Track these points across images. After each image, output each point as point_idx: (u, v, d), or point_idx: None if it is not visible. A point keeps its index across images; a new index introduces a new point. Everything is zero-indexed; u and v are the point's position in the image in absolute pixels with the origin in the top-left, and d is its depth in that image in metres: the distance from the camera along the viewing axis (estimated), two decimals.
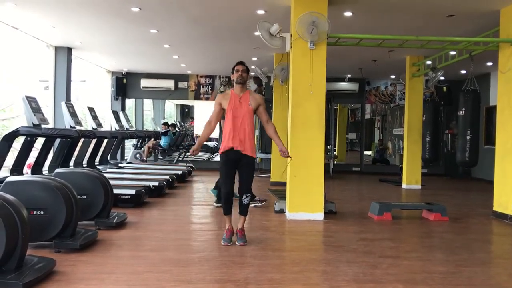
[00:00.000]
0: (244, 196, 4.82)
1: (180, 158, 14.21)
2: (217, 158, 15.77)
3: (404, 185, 10.75)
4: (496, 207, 6.92)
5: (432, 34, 7.64)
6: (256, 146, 13.14)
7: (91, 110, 8.45)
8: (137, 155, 12.82)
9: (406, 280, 3.80)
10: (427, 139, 10.28)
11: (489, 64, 11.08)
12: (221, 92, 13.97)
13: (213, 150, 16.97)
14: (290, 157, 5.12)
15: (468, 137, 7.28)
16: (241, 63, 4.89)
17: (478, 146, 7.50)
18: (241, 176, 4.83)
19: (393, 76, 13.89)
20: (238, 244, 4.82)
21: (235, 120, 4.74)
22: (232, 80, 4.94)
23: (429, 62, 10.08)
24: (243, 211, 4.87)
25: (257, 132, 12.84)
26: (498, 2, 6.67)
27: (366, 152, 15.53)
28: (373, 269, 4.06)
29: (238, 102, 4.77)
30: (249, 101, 4.79)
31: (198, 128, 17.40)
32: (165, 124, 14.61)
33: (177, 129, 15.26)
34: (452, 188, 11.30)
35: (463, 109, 7.36)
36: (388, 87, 14.58)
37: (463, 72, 12.13)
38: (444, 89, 12.61)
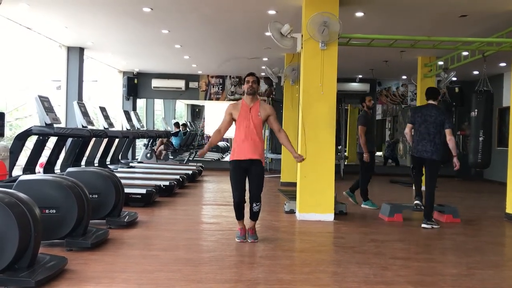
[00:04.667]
0: (255, 205, 4.86)
1: (191, 158, 14.25)
2: (227, 158, 15.80)
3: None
4: (509, 209, 6.84)
5: (444, 35, 7.57)
6: (266, 146, 13.19)
7: (102, 109, 8.50)
8: (148, 155, 12.87)
9: (417, 282, 3.77)
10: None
11: (502, 64, 10.95)
12: (231, 96, 14.04)
13: (223, 150, 17.01)
14: (304, 158, 5.13)
15: (480, 138, 7.20)
16: (251, 74, 4.96)
17: (491, 148, 7.42)
18: (251, 185, 4.86)
19: (404, 77, 13.80)
20: (250, 241, 4.92)
21: (245, 130, 4.79)
22: (242, 90, 4.98)
23: (441, 63, 9.99)
24: (254, 217, 4.95)
25: (267, 133, 12.84)
26: (511, 2, 6.59)
27: (377, 153, 15.43)
28: (384, 271, 4.04)
29: (248, 112, 4.83)
30: (259, 112, 4.84)
31: (209, 128, 17.44)
32: (176, 124, 14.66)
33: (187, 128, 15.31)
34: (464, 190, 11.20)
35: (476, 110, 7.28)
36: (400, 88, 14.49)
37: (476, 72, 12.02)
38: (456, 90, 12.49)
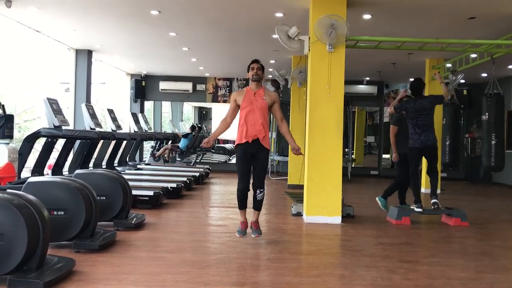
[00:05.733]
0: (258, 191, 4.86)
1: (198, 160, 14.27)
2: (234, 160, 15.81)
3: (423, 189, 10.59)
4: None
5: (452, 37, 7.54)
6: (273, 148, 13.18)
7: (110, 112, 8.55)
8: (153, 158, 12.91)
9: (425, 285, 3.76)
10: (447, 143, 10.11)
11: (511, 67, 10.88)
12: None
13: (230, 153, 17.02)
14: (302, 154, 5.11)
15: (493, 142, 7.15)
16: (256, 61, 4.97)
17: (504, 151, 7.36)
18: (255, 170, 4.86)
19: (412, 79, 13.70)
20: (253, 236, 4.92)
21: (250, 114, 4.79)
22: (248, 78, 4.99)
23: (449, 65, 9.94)
24: (257, 206, 4.93)
25: (274, 135, 12.84)
26: None
27: (384, 156, 15.37)
28: (391, 274, 4.02)
29: (253, 97, 4.84)
30: (264, 96, 4.85)
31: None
32: (193, 127, 14.74)
33: (200, 130, 15.39)
34: (472, 193, 11.12)
35: (487, 113, 7.23)
36: (407, 90, 14.38)
37: (484, 75, 11.95)
38: (465, 92, 12.42)
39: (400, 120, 7.22)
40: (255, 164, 4.84)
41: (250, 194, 4.92)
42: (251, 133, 4.77)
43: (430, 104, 6.43)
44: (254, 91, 4.87)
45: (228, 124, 4.98)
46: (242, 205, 4.94)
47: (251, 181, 4.90)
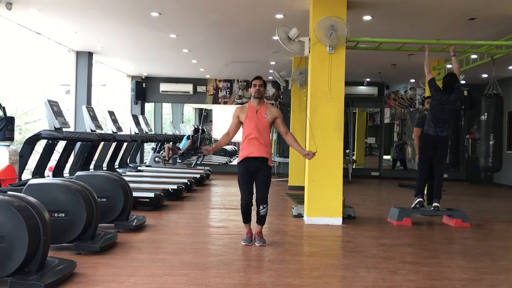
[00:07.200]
0: (261, 207, 4.87)
1: (198, 162, 14.27)
2: (234, 161, 15.80)
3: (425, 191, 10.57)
4: None
5: (453, 38, 7.54)
6: (273, 150, 13.18)
7: (111, 114, 8.55)
8: (156, 159, 12.91)
9: (426, 287, 3.75)
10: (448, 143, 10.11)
11: None
12: (238, 99, 14.05)
13: (231, 154, 17.02)
14: (315, 151, 5.09)
15: (491, 142, 7.16)
16: (258, 77, 4.98)
17: (502, 151, 7.36)
18: (257, 186, 4.87)
19: (412, 80, 13.73)
20: (257, 244, 4.92)
21: (252, 133, 4.81)
22: (250, 94, 5.02)
23: (449, 66, 9.92)
24: (261, 221, 4.95)
25: (274, 136, 12.84)
26: None
27: (385, 157, 15.37)
28: (393, 275, 4.01)
29: (255, 115, 4.86)
30: (266, 114, 4.86)
31: (216, 132, 17.48)
32: (196, 130, 14.74)
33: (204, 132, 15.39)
34: (473, 194, 11.11)
35: (486, 113, 7.24)
36: (408, 91, 14.42)
37: (484, 76, 11.94)
38: (465, 93, 12.43)
39: (423, 122, 7.14)
40: (257, 179, 4.86)
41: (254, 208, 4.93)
42: (253, 152, 4.79)
43: (454, 100, 6.41)
44: (256, 108, 4.89)
45: (230, 138, 5.02)
46: (247, 220, 4.98)
47: (254, 196, 4.90)
